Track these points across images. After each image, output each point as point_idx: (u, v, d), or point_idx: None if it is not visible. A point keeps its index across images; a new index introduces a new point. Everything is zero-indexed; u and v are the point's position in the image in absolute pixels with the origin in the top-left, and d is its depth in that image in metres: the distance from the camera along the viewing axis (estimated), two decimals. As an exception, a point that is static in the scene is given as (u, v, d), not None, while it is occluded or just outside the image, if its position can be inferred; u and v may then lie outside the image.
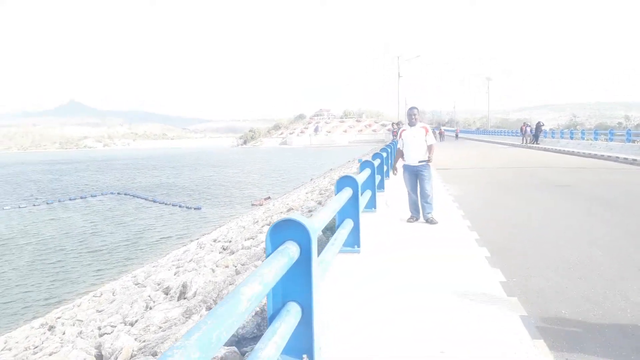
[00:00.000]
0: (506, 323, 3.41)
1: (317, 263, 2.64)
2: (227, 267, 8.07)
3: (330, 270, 4.65)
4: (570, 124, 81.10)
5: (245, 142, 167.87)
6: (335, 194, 4.76)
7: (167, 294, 7.89)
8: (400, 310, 3.70)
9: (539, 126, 34.74)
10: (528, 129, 35.84)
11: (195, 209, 26.80)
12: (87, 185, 43.82)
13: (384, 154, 11.83)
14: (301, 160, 69.97)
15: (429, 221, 7.14)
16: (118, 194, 35.66)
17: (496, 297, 3.98)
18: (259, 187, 36.63)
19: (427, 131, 7.12)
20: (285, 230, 2.50)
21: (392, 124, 34.97)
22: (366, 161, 8.09)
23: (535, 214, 8.23)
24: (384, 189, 10.64)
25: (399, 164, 7.60)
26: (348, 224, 5.08)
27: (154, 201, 30.71)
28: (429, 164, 7.20)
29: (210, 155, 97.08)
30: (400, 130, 7.46)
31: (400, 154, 7.45)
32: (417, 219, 7.34)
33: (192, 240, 17.72)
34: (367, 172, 7.54)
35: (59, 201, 32.04)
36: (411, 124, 7.21)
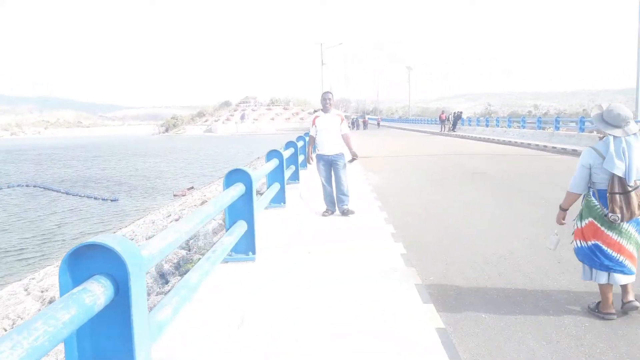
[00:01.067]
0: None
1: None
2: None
3: (209, 292, 3.85)
4: (485, 112, 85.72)
5: (167, 130, 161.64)
6: (224, 191, 4.20)
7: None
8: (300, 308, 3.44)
9: (457, 115, 36.40)
10: (449, 116, 37.44)
11: (111, 200, 25.39)
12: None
13: (300, 143, 11.16)
14: (228, 149, 68.63)
15: (344, 213, 6.81)
16: (26, 185, 33.07)
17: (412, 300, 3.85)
18: (184, 177, 35.44)
19: (342, 119, 6.82)
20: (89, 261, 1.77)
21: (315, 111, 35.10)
22: (273, 150, 7.66)
23: (453, 205, 8.23)
24: (298, 180, 10.07)
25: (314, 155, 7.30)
26: (239, 228, 4.30)
27: (67, 193, 28.70)
28: (355, 156, 6.92)
29: (130, 144, 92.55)
30: (313, 117, 7.05)
31: (313, 142, 7.06)
32: (332, 212, 6.96)
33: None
34: (273, 163, 7.10)
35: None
36: (325, 110, 6.81)
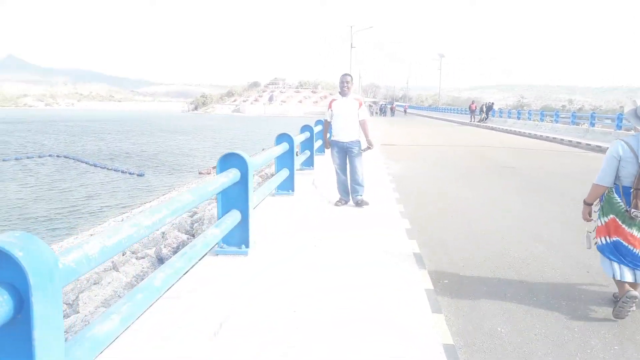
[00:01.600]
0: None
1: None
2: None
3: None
4: (518, 104, 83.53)
5: (196, 108, 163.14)
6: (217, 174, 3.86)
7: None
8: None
9: (489, 106, 35.43)
10: (483, 106, 36.44)
11: (138, 175, 25.66)
12: (29, 145, 41.22)
13: (318, 127, 10.53)
14: (258, 130, 68.66)
15: (358, 203, 6.49)
16: (57, 156, 33.74)
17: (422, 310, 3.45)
18: (212, 156, 35.55)
19: (360, 104, 6.41)
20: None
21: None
22: (283, 134, 7.27)
23: (478, 201, 7.73)
24: (313, 166, 9.56)
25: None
26: (231, 218, 3.91)
27: (95, 165, 29.21)
28: (371, 145, 6.55)
29: (162, 121, 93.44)
30: (330, 100, 6.65)
31: (329, 127, 6.76)
32: (346, 202, 6.64)
33: (122, 212, 16.81)
34: (281, 147, 6.74)
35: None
36: (343, 94, 6.43)
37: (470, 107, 37.65)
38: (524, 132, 24.93)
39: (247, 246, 4.17)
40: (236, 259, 4.10)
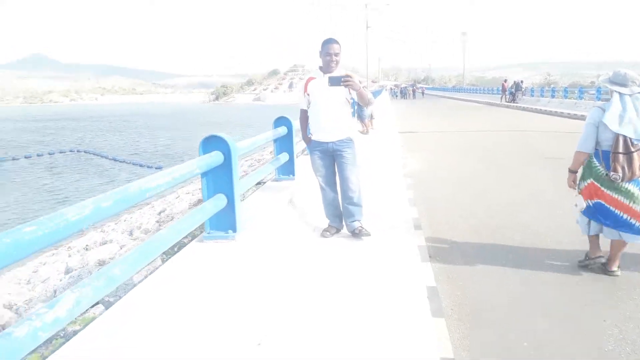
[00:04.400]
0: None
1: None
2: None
3: None
4: (545, 82, 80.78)
5: (217, 98, 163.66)
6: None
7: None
8: None
9: (517, 84, 33.75)
10: (510, 86, 34.79)
11: (155, 168, 25.33)
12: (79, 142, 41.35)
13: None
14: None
15: (355, 233, 4.28)
16: (77, 151, 33.70)
17: None
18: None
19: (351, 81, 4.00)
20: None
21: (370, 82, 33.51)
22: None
23: (527, 211, 5.47)
24: (293, 174, 6.40)
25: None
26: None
27: (114, 159, 29.15)
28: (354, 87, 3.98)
29: (184, 114, 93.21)
30: (306, 79, 4.34)
31: (306, 120, 4.45)
32: (337, 230, 4.46)
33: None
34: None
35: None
36: (326, 70, 4.13)
37: (503, 86, 36.05)
38: (562, 112, 23.03)
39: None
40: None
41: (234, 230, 3.85)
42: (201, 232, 3.92)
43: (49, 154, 32.57)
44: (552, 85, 53.95)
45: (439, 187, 7.00)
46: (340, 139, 4.21)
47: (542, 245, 4.34)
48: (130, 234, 6.42)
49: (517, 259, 4.01)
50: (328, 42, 4.06)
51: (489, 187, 7.05)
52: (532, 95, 32.66)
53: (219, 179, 3.76)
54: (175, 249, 3.77)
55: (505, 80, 36.97)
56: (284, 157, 6.15)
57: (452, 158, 9.99)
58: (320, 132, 4.25)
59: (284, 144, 6.31)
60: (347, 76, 3.91)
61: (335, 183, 4.41)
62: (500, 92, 36.85)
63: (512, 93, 33.32)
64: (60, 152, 33.31)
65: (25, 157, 30.80)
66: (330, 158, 4.30)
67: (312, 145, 4.34)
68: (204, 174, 3.67)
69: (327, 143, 4.22)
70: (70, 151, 34.02)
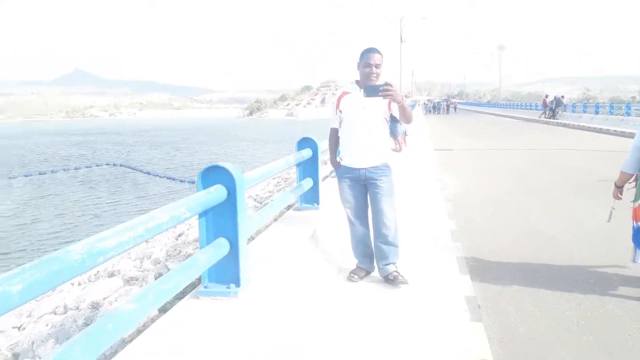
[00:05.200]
0: None
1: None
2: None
3: None
4: (583, 97, 78.35)
5: (251, 113, 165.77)
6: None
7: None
8: None
9: (558, 100, 32.69)
10: (550, 101, 33.75)
11: (189, 182, 25.60)
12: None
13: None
14: (309, 134, 67.94)
15: (389, 279, 3.63)
16: (114, 165, 34.41)
17: None
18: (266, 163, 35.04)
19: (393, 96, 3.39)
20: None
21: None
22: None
23: (579, 248, 4.77)
24: (317, 203, 5.64)
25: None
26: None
27: (149, 173, 29.64)
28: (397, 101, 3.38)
29: (219, 129, 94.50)
30: (339, 95, 3.81)
31: (336, 141, 3.89)
32: (367, 273, 3.84)
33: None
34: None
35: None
36: (364, 84, 3.51)
37: (544, 101, 35.08)
38: (607, 130, 21.85)
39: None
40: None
41: (237, 285, 3.16)
42: (198, 282, 3.17)
43: (86, 167, 33.33)
44: (590, 101, 52.10)
45: (487, 221, 6.11)
46: (374, 165, 3.61)
47: (607, 288, 3.73)
48: (141, 263, 6.08)
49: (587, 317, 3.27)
50: (369, 52, 3.55)
51: (526, 207, 6.60)
52: (574, 111, 31.49)
53: (221, 219, 3.09)
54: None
55: (547, 96, 36.00)
56: (308, 183, 5.46)
57: (496, 181, 9.24)
58: (352, 157, 3.67)
59: (308, 168, 5.63)
60: (387, 84, 3.25)
61: (366, 216, 3.84)
62: (541, 107, 36.04)
63: (552, 109, 32.33)
64: (97, 166, 34.06)
65: (64, 170, 31.60)
66: (362, 187, 3.71)
67: (342, 172, 3.76)
68: (203, 214, 3.05)
69: (359, 170, 3.64)
70: (107, 164, 34.78)
